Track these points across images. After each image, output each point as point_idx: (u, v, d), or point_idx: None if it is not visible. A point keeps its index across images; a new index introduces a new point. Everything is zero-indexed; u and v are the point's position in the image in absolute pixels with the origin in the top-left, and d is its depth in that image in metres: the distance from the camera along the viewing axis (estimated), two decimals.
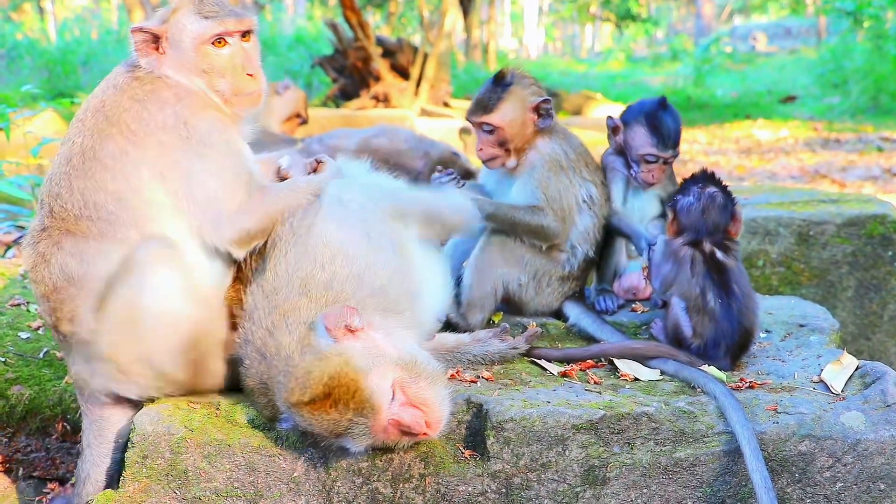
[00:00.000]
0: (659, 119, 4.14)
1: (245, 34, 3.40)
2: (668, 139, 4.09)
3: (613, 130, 4.23)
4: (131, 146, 3.18)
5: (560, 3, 65.04)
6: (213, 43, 3.34)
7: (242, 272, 3.36)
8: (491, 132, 3.99)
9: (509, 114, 3.98)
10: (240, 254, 3.28)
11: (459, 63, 33.58)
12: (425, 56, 22.22)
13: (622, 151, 4.21)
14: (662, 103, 4.19)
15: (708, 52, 34.71)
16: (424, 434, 2.90)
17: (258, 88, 3.42)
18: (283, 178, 3.53)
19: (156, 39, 3.30)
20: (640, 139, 4.13)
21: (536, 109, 4.00)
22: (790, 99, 28.61)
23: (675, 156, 4.15)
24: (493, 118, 3.97)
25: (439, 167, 4.27)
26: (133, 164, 3.17)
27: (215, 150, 3.24)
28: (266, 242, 3.31)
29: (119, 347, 3.16)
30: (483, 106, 4.01)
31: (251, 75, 3.40)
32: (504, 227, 3.99)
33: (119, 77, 3.32)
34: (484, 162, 4.06)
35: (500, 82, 4.01)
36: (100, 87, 3.34)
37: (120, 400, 3.34)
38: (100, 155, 3.18)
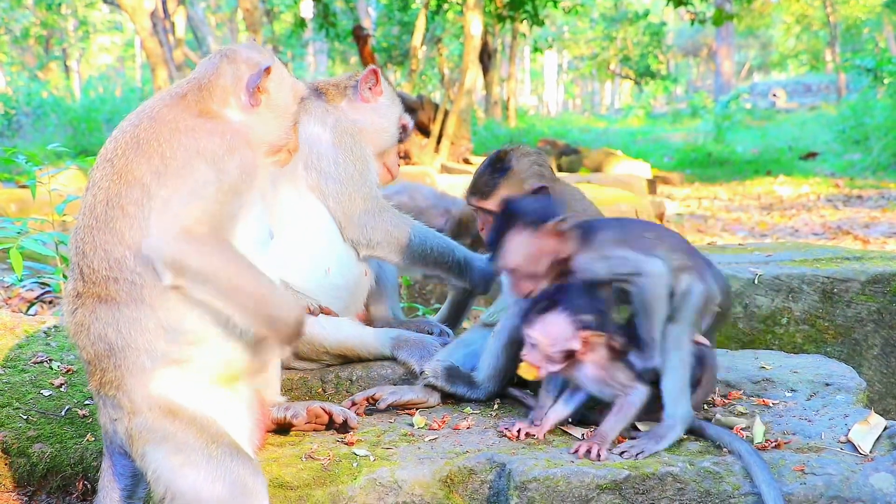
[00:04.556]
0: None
1: None
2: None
3: None
4: (156, 180, 3.04)
5: (579, 61, 65.63)
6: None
7: None
8: (490, 215, 3.90)
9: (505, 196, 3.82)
10: (166, 278, 3.01)
11: (480, 120, 33.91)
12: (446, 113, 22.41)
13: None
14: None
15: (728, 108, 34.91)
16: None
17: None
18: None
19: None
20: None
21: (535, 195, 3.84)
22: (811, 155, 28.67)
23: (485, 208, 3.90)
24: (489, 204, 3.90)
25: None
26: (151, 200, 3.03)
27: (235, 188, 3.15)
28: None
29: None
30: (479, 190, 3.95)
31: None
32: None
33: (163, 109, 3.24)
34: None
35: (499, 164, 3.93)
36: (132, 122, 3.22)
37: None
38: (123, 201, 3.04)
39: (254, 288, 3.07)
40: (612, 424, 3.31)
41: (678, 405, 3.34)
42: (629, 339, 3.40)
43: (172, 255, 2.97)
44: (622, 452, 3.22)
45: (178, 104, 3.27)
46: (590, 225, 3.54)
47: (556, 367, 3.34)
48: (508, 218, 3.48)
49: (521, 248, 3.43)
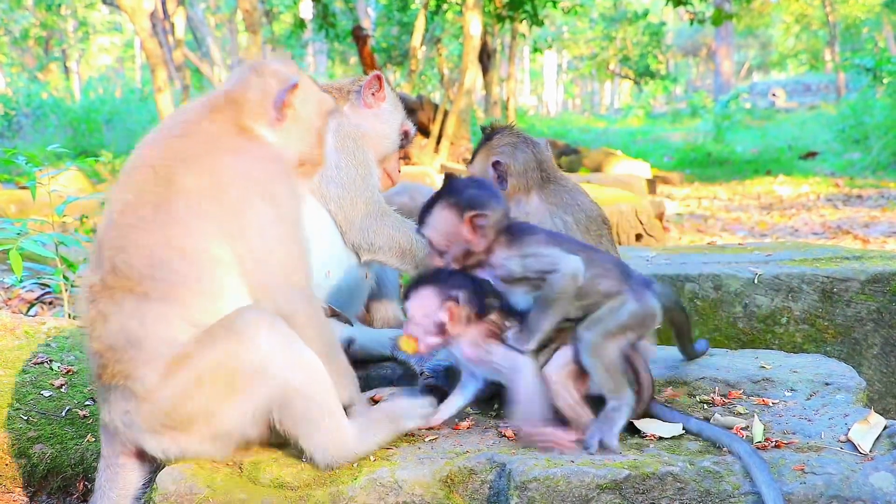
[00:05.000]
0: None
1: None
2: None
3: None
4: (206, 196, 3.14)
5: (579, 61, 65.62)
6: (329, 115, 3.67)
7: None
8: None
9: (476, 167, 4.06)
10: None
11: (479, 120, 33.86)
12: (445, 113, 22.43)
13: None
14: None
15: (727, 108, 34.90)
16: None
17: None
18: None
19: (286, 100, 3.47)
20: None
21: (495, 167, 3.99)
22: (811, 155, 28.68)
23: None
24: (470, 168, 4.08)
25: None
26: (205, 216, 3.13)
27: (294, 219, 3.34)
28: None
29: (187, 404, 3.12)
30: (471, 155, 4.15)
31: None
32: None
33: (202, 122, 3.36)
34: None
35: (485, 135, 4.12)
36: (172, 131, 3.36)
37: (141, 454, 3.32)
38: (173, 208, 3.11)
39: (335, 343, 3.40)
40: (571, 410, 3.31)
41: (618, 393, 3.31)
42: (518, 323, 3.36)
43: (289, 309, 3.18)
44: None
45: (215, 118, 3.37)
46: (516, 226, 3.52)
47: (432, 341, 3.35)
48: (443, 190, 3.50)
49: (438, 223, 3.45)
